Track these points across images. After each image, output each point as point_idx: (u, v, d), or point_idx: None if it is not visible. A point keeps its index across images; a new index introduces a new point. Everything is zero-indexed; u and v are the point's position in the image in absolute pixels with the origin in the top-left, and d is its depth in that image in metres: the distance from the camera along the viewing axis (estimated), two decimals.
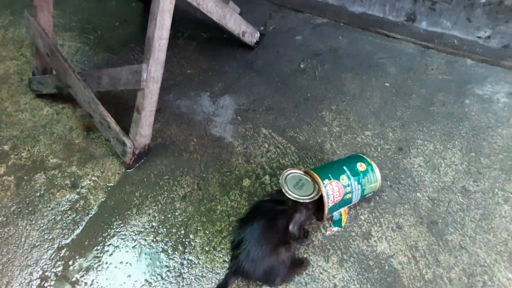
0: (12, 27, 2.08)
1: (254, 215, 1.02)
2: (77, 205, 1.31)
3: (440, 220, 1.12)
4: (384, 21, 1.60)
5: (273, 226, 0.99)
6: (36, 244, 1.23)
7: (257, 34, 1.65)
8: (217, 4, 1.31)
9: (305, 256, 1.10)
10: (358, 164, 1.11)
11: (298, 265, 1.07)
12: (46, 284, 1.13)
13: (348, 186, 1.07)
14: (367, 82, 1.49)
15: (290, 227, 1.01)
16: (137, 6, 2.07)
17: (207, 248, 1.15)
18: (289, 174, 1.08)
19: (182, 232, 1.20)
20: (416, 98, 1.41)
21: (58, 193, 1.35)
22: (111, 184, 1.35)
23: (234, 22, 1.44)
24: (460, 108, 1.36)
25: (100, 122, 1.34)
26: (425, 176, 1.21)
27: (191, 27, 1.87)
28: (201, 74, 1.66)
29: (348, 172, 1.08)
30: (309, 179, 1.08)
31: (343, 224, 1.15)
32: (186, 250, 1.16)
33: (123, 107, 1.56)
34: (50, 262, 1.18)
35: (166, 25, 1.17)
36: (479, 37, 1.42)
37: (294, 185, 1.07)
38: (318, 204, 1.08)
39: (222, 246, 1.15)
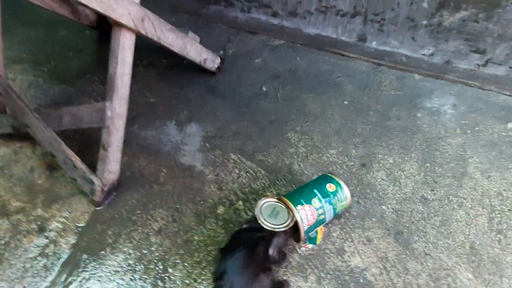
0: None
1: (235, 245, 1.04)
2: (47, 250, 1.26)
3: (405, 230, 1.20)
4: (338, 41, 1.70)
5: (253, 254, 1.02)
6: None
7: (218, 60, 1.68)
8: (177, 36, 1.32)
9: (284, 278, 1.14)
10: (328, 185, 1.16)
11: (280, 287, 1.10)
12: None
13: (321, 208, 1.12)
14: (327, 101, 1.57)
15: (270, 252, 1.04)
16: (91, 34, 2.02)
17: (187, 281, 1.15)
18: (264, 203, 1.11)
19: (161, 267, 1.19)
20: (374, 114, 1.51)
21: (25, 239, 1.29)
22: (81, 225, 1.30)
23: (195, 51, 1.46)
24: (413, 122, 1.47)
25: (64, 161, 1.30)
26: (388, 189, 1.30)
27: (150, 54, 1.86)
28: (165, 102, 1.66)
29: (319, 195, 1.13)
30: (283, 206, 1.11)
31: (317, 242, 1.20)
32: (166, 286, 1.15)
33: (85, 142, 1.52)
34: None
35: (127, 61, 1.17)
36: (423, 54, 1.55)
37: (269, 214, 1.10)
38: (295, 228, 1.12)
39: (202, 277, 1.16)
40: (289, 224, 1.07)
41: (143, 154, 1.48)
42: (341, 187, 1.17)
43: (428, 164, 1.34)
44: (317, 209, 1.12)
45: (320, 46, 1.76)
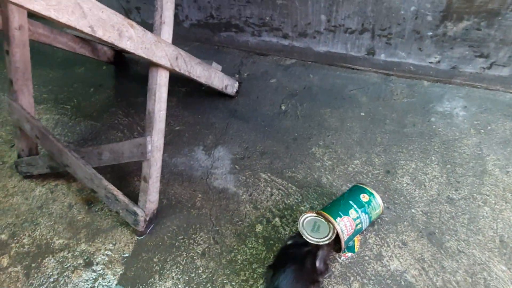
0: None
1: (284, 261, 1.10)
2: (96, 283, 1.31)
3: (436, 230, 1.27)
4: (348, 56, 1.79)
5: (303, 268, 1.08)
6: None
7: (236, 84, 1.76)
8: (204, 68, 1.41)
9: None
10: (361, 195, 1.24)
11: None
12: None
13: (358, 218, 1.20)
14: (344, 114, 1.66)
15: (317, 264, 1.11)
16: (108, 70, 2.11)
17: None
18: (305, 219, 1.19)
19: None
20: (390, 122, 1.59)
21: (73, 275, 1.34)
22: (126, 255, 1.36)
23: (218, 80, 1.55)
24: (428, 126, 1.55)
25: (106, 196, 1.37)
26: (414, 193, 1.37)
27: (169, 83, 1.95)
28: (190, 129, 1.74)
29: (355, 206, 1.21)
30: (323, 220, 1.18)
31: (356, 250, 1.27)
32: None
33: (121, 173, 1.58)
34: None
35: (163, 98, 1.25)
36: (430, 62, 1.65)
37: (311, 229, 1.17)
38: (336, 238, 1.19)
39: None
40: (331, 236, 1.14)
41: (177, 181, 1.55)
42: (374, 196, 1.24)
43: (449, 166, 1.42)
44: (354, 220, 1.19)
45: (330, 62, 1.86)
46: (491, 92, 1.62)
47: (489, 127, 1.51)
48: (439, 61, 1.63)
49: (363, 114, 1.65)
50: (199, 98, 1.85)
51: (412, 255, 1.24)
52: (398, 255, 1.24)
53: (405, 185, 1.40)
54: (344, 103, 1.70)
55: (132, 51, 1.00)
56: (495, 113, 1.55)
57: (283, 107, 1.74)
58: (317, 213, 1.21)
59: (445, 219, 1.30)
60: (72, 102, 1.98)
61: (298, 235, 1.15)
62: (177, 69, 1.23)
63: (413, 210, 1.33)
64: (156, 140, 1.26)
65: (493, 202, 1.31)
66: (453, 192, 1.36)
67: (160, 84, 1.20)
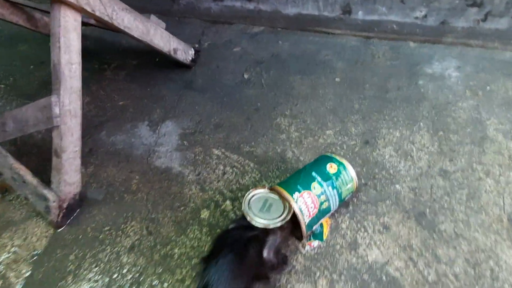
0: None
1: (219, 250, 0.81)
2: None
3: (427, 210, 1.00)
4: (321, 18, 1.54)
5: (243, 259, 0.80)
6: None
7: (191, 51, 1.50)
8: (136, 18, 1.14)
9: (288, 287, 0.91)
10: (328, 166, 0.96)
11: None
12: None
13: (323, 194, 0.92)
14: (317, 81, 1.39)
15: (265, 254, 0.83)
16: None
17: None
18: (252, 196, 0.91)
19: None
20: (370, 87, 1.33)
21: None
22: (37, 252, 1.08)
23: (160, 38, 1.28)
24: (416, 90, 1.29)
25: (12, 177, 1.09)
26: (399, 166, 1.10)
27: (118, 57, 1.69)
28: (136, 103, 1.47)
29: (318, 179, 0.93)
30: (277, 197, 0.91)
31: (324, 237, 0.98)
32: None
33: (46, 157, 1.31)
34: None
35: (74, 47, 0.98)
36: (416, 18, 1.39)
37: (260, 208, 0.89)
38: (294, 222, 0.91)
39: None
40: (285, 217, 0.86)
41: (112, 162, 1.27)
42: (344, 167, 0.97)
43: (441, 133, 1.15)
44: (318, 196, 0.91)
45: (302, 27, 1.60)
46: (487, 50, 1.36)
47: (488, 88, 1.24)
48: (425, 16, 1.37)
49: (338, 80, 1.38)
50: (151, 70, 1.59)
51: (396, 242, 0.95)
52: (378, 242, 0.96)
53: (387, 157, 1.13)
54: (317, 69, 1.44)
55: None
56: (494, 73, 1.29)
57: (245, 76, 1.47)
58: (270, 189, 0.93)
59: (438, 196, 1.02)
60: (8, 80, 1.72)
61: (243, 217, 0.87)
62: (88, 9, 0.96)
63: (397, 186, 1.06)
64: (67, 102, 0.99)
65: (498, 173, 1.04)
66: (448, 163, 1.08)
67: (66, 28, 0.94)
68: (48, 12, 1.65)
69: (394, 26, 1.45)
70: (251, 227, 0.85)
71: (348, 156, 1.14)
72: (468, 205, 0.99)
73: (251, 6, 1.63)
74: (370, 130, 1.20)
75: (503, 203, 0.98)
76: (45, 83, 1.67)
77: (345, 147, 1.17)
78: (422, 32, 1.42)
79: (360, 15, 1.47)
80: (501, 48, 1.36)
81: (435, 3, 1.33)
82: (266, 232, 0.85)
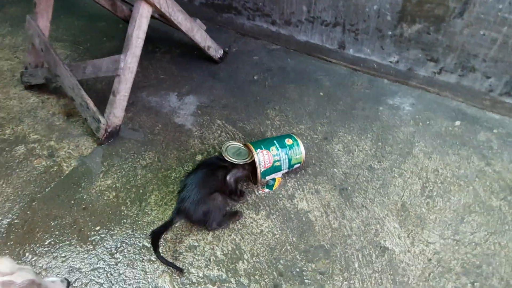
0: (10, 35, 2.38)
1: (198, 167, 1.28)
2: (52, 169, 1.52)
3: (349, 188, 1.41)
4: (323, 48, 2.01)
5: (212, 175, 1.25)
6: (10, 198, 1.42)
7: (221, 51, 2.01)
8: (186, 18, 1.67)
9: (240, 210, 1.35)
10: (286, 139, 1.41)
11: (233, 215, 1.31)
12: (14, 229, 1.31)
13: (277, 155, 1.36)
14: (305, 90, 1.85)
15: (227, 178, 1.27)
16: (124, 26, 2.42)
17: (160, 203, 1.38)
18: (230, 145, 1.36)
19: (141, 191, 1.43)
20: (343, 104, 1.77)
21: (35, 161, 1.56)
22: (83, 155, 1.58)
23: (200, 36, 1.80)
24: (374, 113, 1.71)
25: (81, 104, 1.61)
26: (341, 158, 1.52)
27: (167, 45, 2.23)
28: (172, 79, 1.98)
29: (277, 145, 1.38)
30: (246, 150, 1.36)
31: (274, 188, 1.42)
32: (142, 205, 1.38)
33: (102, 97, 1.83)
34: (19, 212, 1.37)
35: (143, 27, 1.50)
36: (390, 62, 1.83)
37: (233, 153, 1.34)
38: (254, 170, 1.35)
39: (173, 202, 1.38)
40: (247, 160, 1.31)
41: (145, 113, 1.78)
42: (297, 143, 1.41)
43: (380, 143, 1.57)
44: (274, 156, 1.36)
45: (308, 52, 2.08)
46: (440, 97, 1.77)
47: (427, 122, 1.65)
48: (397, 61, 1.81)
49: (322, 94, 1.83)
50: (189, 59, 2.11)
51: (320, 201, 1.37)
52: (308, 199, 1.38)
53: (336, 150, 1.56)
54: (309, 83, 1.90)
55: None
56: (437, 113, 1.69)
57: (255, 77, 1.96)
58: (243, 144, 1.39)
59: (360, 181, 1.43)
60: (86, 45, 2.29)
61: (221, 155, 1.33)
62: (157, 5, 1.49)
63: (335, 170, 1.48)
64: (129, 61, 1.51)
65: (408, 176, 1.44)
66: (376, 163, 1.50)
67: (141, 15, 1.46)
68: (126, 2, 2.22)
69: (375, 65, 1.89)
70: (223, 160, 1.30)
71: (309, 144, 1.58)
72: (378, 191, 1.40)
73: (273, 28, 2.14)
74: (331, 131, 1.63)
75: (403, 195, 1.38)
76: (111, 52, 2.21)
77: (309, 138, 1.61)
78: (395, 73, 1.86)
79: (351, 51, 1.93)
80: (451, 97, 1.76)
81: (405, 53, 1.77)
82: (232, 165, 1.30)
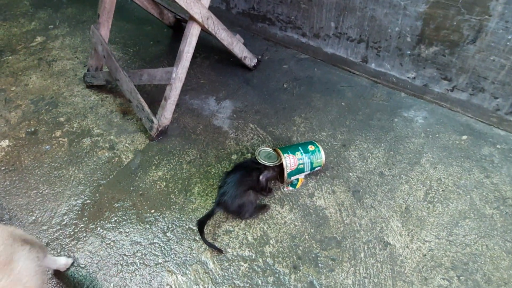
0: (69, 36, 2.72)
1: (236, 168, 1.56)
2: (113, 160, 1.84)
3: (361, 190, 1.65)
4: (347, 60, 2.22)
5: (248, 175, 1.53)
6: (82, 182, 1.75)
7: (255, 60, 2.26)
8: (228, 34, 1.92)
9: (268, 204, 1.62)
10: (309, 146, 1.66)
11: (262, 207, 1.59)
12: (86, 208, 1.65)
13: (301, 159, 1.62)
14: (329, 100, 2.08)
15: (260, 177, 1.55)
16: (168, 31, 2.72)
17: (202, 194, 1.68)
18: (262, 149, 1.63)
19: (186, 183, 1.73)
20: (362, 114, 1.99)
21: (99, 152, 1.89)
22: (138, 149, 1.89)
23: (238, 49, 2.05)
24: (390, 124, 1.93)
25: (137, 106, 1.91)
26: (356, 164, 1.76)
27: (207, 51, 2.50)
28: (211, 84, 2.25)
29: (301, 150, 1.63)
30: (275, 154, 1.62)
31: (297, 187, 1.68)
32: (187, 194, 1.68)
33: (150, 99, 2.14)
34: (90, 194, 1.70)
35: (192, 44, 1.77)
36: (408, 77, 2.03)
37: (265, 156, 1.61)
38: (281, 171, 1.62)
39: (213, 194, 1.67)
40: (277, 163, 1.58)
41: (188, 114, 2.06)
42: (318, 149, 1.66)
43: (391, 152, 1.79)
44: (298, 159, 1.61)
45: (334, 63, 2.29)
46: (451, 112, 1.96)
47: (437, 135, 1.85)
48: (414, 77, 2.00)
49: (344, 104, 2.06)
50: (226, 65, 2.37)
51: (335, 200, 1.63)
52: (325, 198, 1.64)
53: (352, 157, 1.79)
54: (332, 94, 2.12)
55: (177, 0, 1.54)
56: (447, 127, 1.89)
57: (285, 85, 2.20)
58: (273, 149, 1.65)
59: (371, 185, 1.67)
60: (135, 48, 2.60)
61: (255, 158, 1.59)
62: (206, 26, 1.75)
63: (350, 174, 1.72)
64: (179, 72, 1.79)
65: (414, 183, 1.66)
66: (386, 169, 1.72)
67: (192, 33, 1.73)
68: (171, 11, 2.49)
69: (394, 79, 2.09)
70: (257, 163, 1.57)
71: (328, 150, 1.82)
72: (386, 194, 1.63)
73: (303, 40, 2.36)
74: (349, 139, 1.87)
75: (407, 199, 1.61)
76: (157, 56, 2.52)
77: (329, 144, 1.85)
78: (411, 88, 2.05)
79: (373, 65, 2.13)
80: (461, 112, 1.95)
81: (422, 71, 1.95)
82: (264, 167, 1.57)
